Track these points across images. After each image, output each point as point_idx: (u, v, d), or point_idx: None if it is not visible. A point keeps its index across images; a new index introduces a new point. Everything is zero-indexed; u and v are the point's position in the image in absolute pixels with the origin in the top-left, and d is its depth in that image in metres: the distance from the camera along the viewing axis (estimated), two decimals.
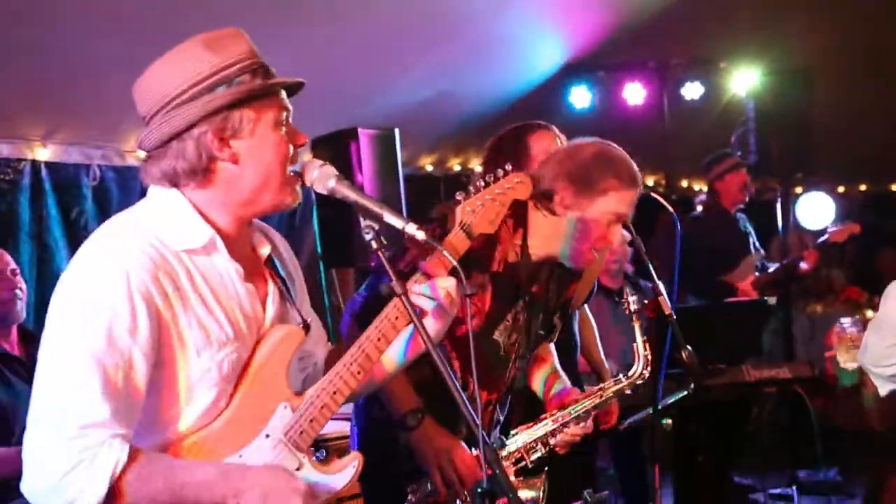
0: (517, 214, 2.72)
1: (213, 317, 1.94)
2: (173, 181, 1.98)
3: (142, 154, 5.16)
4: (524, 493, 2.73)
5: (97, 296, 1.83)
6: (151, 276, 1.87)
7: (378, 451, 2.62)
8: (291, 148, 2.02)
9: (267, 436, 1.99)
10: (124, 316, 1.82)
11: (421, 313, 2.07)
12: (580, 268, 2.83)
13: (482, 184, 2.27)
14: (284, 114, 2.00)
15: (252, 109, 1.95)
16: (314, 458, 2.06)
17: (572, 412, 2.80)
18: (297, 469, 2.01)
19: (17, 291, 3.77)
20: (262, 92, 1.97)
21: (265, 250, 2.14)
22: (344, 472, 2.08)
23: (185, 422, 1.94)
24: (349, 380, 2.04)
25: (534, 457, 2.76)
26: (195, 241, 1.96)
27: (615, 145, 2.75)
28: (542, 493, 2.76)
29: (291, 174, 2.03)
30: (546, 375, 3.04)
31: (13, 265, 3.86)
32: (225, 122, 1.93)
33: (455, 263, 2.04)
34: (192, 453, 1.94)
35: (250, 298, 2.03)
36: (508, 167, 2.34)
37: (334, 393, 2.03)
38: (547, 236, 2.73)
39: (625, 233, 2.96)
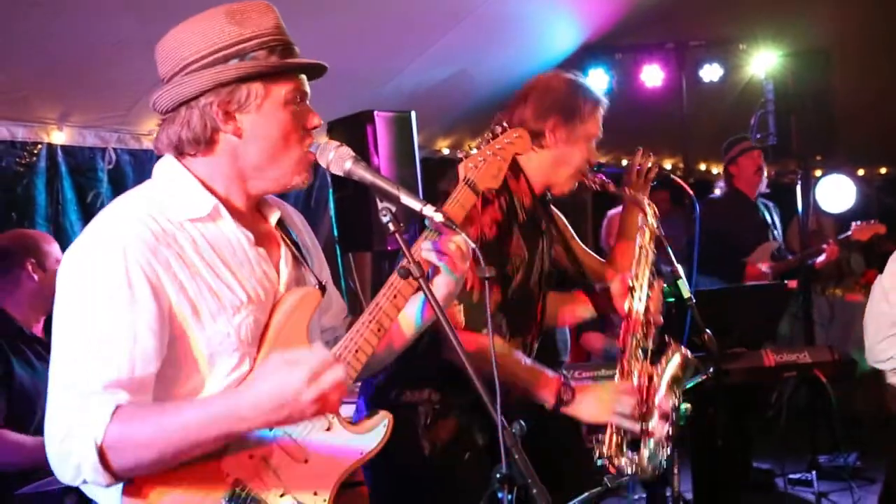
0: (511, 164, 2.82)
1: (223, 283, 1.95)
2: (178, 149, 2.00)
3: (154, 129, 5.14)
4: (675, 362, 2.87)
5: (96, 272, 1.84)
6: (151, 248, 1.87)
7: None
8: (308, 126, 2.02)
9: None
10: (122, 290, 1.83)
11: (434, 270, 2.08)
12: (567, 194, 2.99)
13: (481, 140, 2.33)
14: (297, 94, 2.00)
15: (262, 85, 1.95)
16: (343, 418, 2.06)
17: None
18: (327, 429, 2.01)
19: None
20: (274, 70, 1.96)
21: (274, 216, 2.14)
22: (374, 432, 2.08)
23: (210, 390, 1.93)
24: (370, 337, 2.04)
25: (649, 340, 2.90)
26: (199, 210, 1.97)
27: (575, 73, 2.99)
28: (683, 352, 2.90)
29: (304, 154, 2.03)
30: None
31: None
32: (231, 95, 1.94)
33: (471, 244, 2.03)
34: None
35: (262, 262, 2.04)
36: (505, 124, 2.42)
37: (356, 351, 2.03)
38: (542, 171, 2.90)
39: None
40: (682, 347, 2.94)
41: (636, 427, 2.80)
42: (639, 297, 2.91)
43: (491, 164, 2.30)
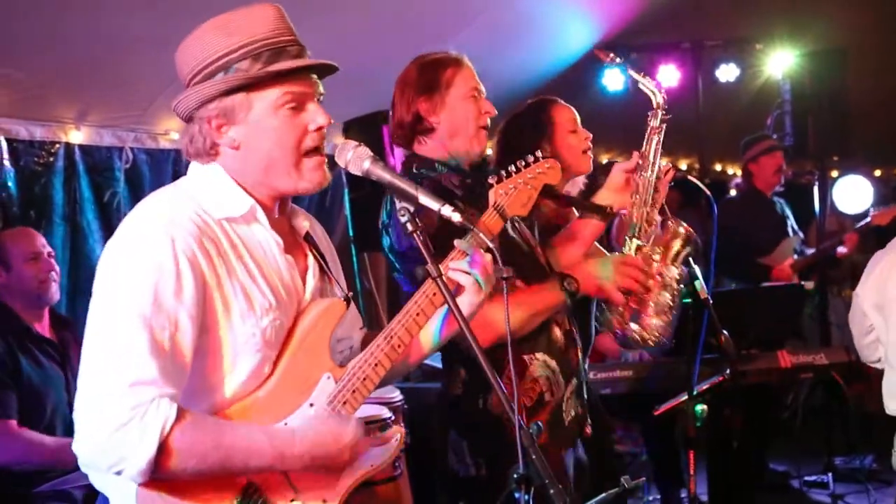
0: (419, 159, 2.91)
1: (255, 284, 1.98)
2: (189, 157, 2.07)
3: (174, 136, 5.21)
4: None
5: (143, 258, 1.86)
6: (196, 240, 1.90)
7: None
8: (311, 128, 2.01)
9: (311, 405, 2.02)
10: (170, 278, 1.85)
11: (458, 289, 2.10)
12: (483, 147, 3.00)
13: (513, 168, 2.32)
14: (290, 97, 1.99)
15: (245, 95, 1.97)
16: None
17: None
18: None
19: (52, 273, 3.85)
20: (254, 81, 1.97)
21: (304, 225, 2.17)
22: (387, 447, 2.12)
23: (229, 388, 1.96)
24: (390, 353, 2.06)
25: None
26: (235, 210, 2.00)
27: (427, 52, 3.04)
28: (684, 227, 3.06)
29: (315, 156, 2.03)
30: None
31: (49, 248, 3.96)
32: (218, 110, 1.98)
33: (490, 244, 2.03)
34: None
35: (290, 270, 2.07)
36: (539, 153, 2.40)
37: (375, 365, 2.06)
38: (448, 147, 2.91)
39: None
40: (683, 224, 3.08)
41: (640, 293, 2.93)
42: (647, 173, 3.04)
43: (521, 193, 2.32)
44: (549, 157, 2.46)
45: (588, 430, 3.02)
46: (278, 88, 1.98)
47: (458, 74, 2.94)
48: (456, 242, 2.15)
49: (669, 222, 3.07)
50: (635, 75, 3.21)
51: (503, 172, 2.32)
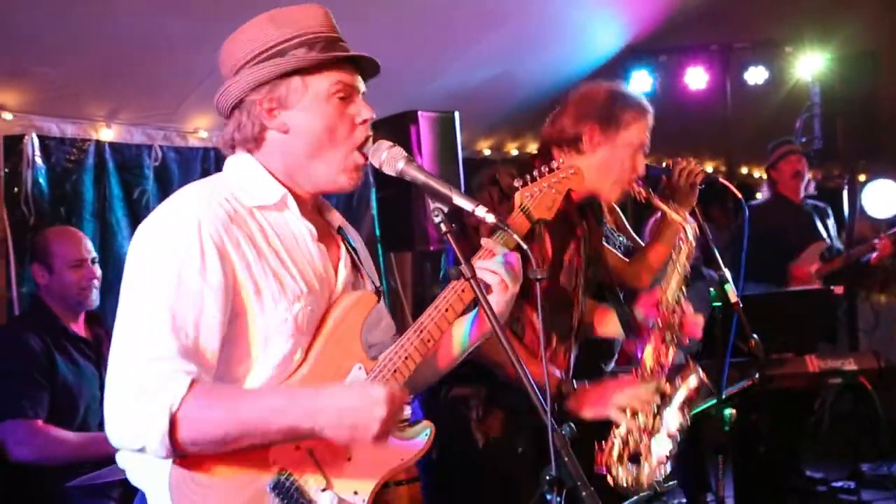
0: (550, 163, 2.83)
1: (286, 270, 1.99)
2: (232, 148, 2.09)
3: (203, 135, 5.22)
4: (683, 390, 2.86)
5: (170, 243, 1.89)
6: (224, 226, 1.93)
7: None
8: (358, 121, 2.05)
9: None
10: (196, 261, 1.88)
11: (486, 289, 2.10)
12: (615, 200, 3.05)
13: (537, 173, 2.35)
14: (342, 86, 2.03)
15: (301, 79, 2.01)
16: None
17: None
18: None
19: (94, 281, 3.85)
20: (311, 64, 2.01)
21: (337, 218, 2.21)
22: (417, 440, 2.12)
23: (261, 374, 1.96)
24: (420, 346, 2.08)
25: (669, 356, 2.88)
26: (268, 199, 2.03)
27: (619, 83, 3.02)
28: (699, 376, 2.88)
29: (354, 153, 2.06)
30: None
31: (93, 253, 3.92)
32: (272, 93, 2.01)
33: (522, 244, 2.04)
34: None
35: (322, 259, 2.08)
36: (562, 159, 2.46)
37: (406, 358, 2.07)
38: (587, 184, 2.83)
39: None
40: (700, 370, 2.90)
41: (637, 428, 2.77)
42: (664, 312, 2.90)
43: (546, 196, 2.35)
44: (572, 164, 2.47)
45: None
46: (332, 75, 2.02)
47: (636, 122, 2.90)
48: (483, 241, 2.16)
49: (690, 363, 2.92)
50: (672, 207, 3.04)
51: (528, 176, 2.35)
